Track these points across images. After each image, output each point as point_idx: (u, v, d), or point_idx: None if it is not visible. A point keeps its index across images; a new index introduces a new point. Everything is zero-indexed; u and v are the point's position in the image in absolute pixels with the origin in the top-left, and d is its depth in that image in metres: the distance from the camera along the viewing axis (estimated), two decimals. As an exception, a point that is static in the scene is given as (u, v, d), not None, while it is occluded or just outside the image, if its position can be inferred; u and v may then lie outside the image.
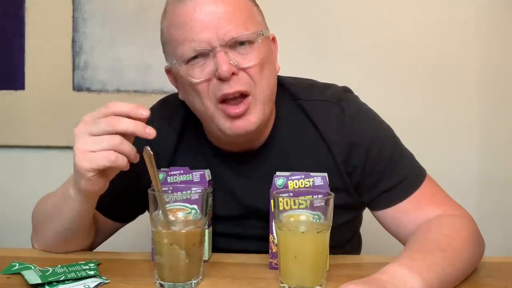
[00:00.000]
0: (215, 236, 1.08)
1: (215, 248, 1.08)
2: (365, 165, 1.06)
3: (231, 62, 0.96)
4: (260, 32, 0.99)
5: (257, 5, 1.04)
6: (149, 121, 1.14)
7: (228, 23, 0.96)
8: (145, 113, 0.91)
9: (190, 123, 1.09)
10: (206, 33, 0.95)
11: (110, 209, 1.12)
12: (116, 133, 0.89)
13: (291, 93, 1.10)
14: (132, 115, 0.90)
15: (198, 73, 0.98)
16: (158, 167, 1.05)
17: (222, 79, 0.96)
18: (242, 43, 0.97)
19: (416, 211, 1.03)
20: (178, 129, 1.12)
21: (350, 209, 1.13)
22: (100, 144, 0.89)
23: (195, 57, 0.98)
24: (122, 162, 0.90)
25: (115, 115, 0.89)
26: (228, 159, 1.09)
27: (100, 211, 1.11)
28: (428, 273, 0.83)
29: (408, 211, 1.04)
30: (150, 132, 0.90)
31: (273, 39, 1.07)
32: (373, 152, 1.05)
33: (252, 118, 0.99)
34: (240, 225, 1.11)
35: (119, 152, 0.89)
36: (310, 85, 1.13)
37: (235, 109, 0.98)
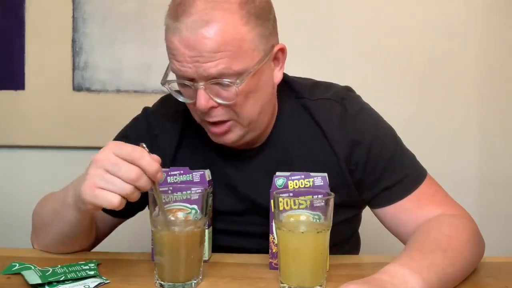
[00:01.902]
0: (215, 233, 1.08)
1: (215, 246, 1.08)
2: (367, 163, 1.06)
3: (211, 97, 0.96)
4: (240, 79, 0.95)
5: (254, 25, 0.96)
6: (151, 117, 1.14)
7: (209, 62, 0.93)
8: (160, 179, 0.89)
9: (191, 120, 1.09)
10: (187, 67, 0.95)
11: None
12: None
13: (295, 91, 1.11)
14: (150, 176, 0.86)
15: (185, 93, 1.01)
16: (161, 165, 1.05)
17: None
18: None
19: (416, 209, 1.04)
20: (180, 125, 1.12)
21: (351, 207, 1.13)
22: (111, 185, 0.85)
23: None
24: (122, 206, 0.87)
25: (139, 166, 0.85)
26: (230, 155, 1.10)
27: None
28: (428, 273, 0.83)
29: (409, 209, 1.04)
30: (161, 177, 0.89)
31: (281, 49, 1.03)
32: (374, 150, 1.06)
33: (233, 136, 1.02)
34: (241, 221, 1.12)
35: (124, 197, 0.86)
36: (314, 84, 1.13)
37: (215, 129, 1.01)
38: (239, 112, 0.99)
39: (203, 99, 0.96)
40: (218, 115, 0.99)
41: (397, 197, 1.05)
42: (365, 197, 1.09)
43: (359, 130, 1.07)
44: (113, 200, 0.85)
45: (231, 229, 1.12)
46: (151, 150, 1.09)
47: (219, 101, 0.97)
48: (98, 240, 1.15)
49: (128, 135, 1.15)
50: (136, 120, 1.17)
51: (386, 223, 1.09)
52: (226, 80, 0.95)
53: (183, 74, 0.96)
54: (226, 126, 1.00)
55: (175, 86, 1.02)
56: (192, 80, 0.96)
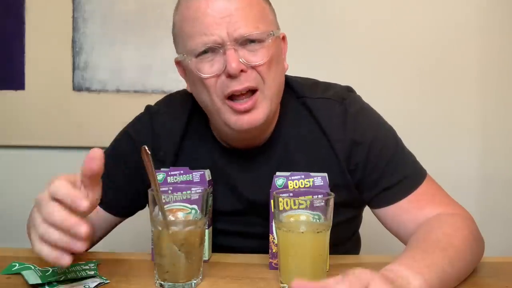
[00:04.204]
0: (216, 233, 1.08)
1: (216, 246, 1.08)
2: (367, 163, 1.06)
3: (240, 59, 0.97)
4: (271, 32, 1.00)
5: (269, 4, 1.05)
6: (154, 117, 1.15)
7: (239, 21, 0.97)
8: (84, 206, 0.77)
9: (195, 119, 1.10)
10: (216, 29, 0.96)
11: (110, 203, 1.13)
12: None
13: (295, 91, 1.12)
14: (68, 205, 0.78)
15: (208, 68, 0.99)
16: (163, 164, 1.07)
17: (231, 76, 0.97)
18: (252, 41, 0.98)
19: (417, 209, 1.04)
20: (183, 124, 1.12)
21: (351, 207, 1.14)
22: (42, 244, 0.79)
23: (205, 52, 0.99)
24: (64, 261, 0.79)
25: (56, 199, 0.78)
26: (232, 154, 1.10)
27: (100, 205, 1.11)
28: (429, 273, 0.82)
29: (409, 209, 1.04)
30: (81, 205, 0.78)
31: (283, 38, 1.08)
32: (374, 150, 1.06)
33: (259, 113, 1.00)
34: (242, 221, 1.12)
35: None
36: (314, 84, 1.14)
37: (242, 105, 0.99)
38: (266, 78, 1.00)
39: (234, 61, 0.96)
40: (248, 80, 0.98)
41: (396, 197, 1.05)
42: (365, 197, 1.09)
43: (359, 130, 1.07)
44: (49, 254, 0.79)
45: (232, 229, 1.12)
46: (153, 150, 1.09)
47: (249, 62, 0.98)
48: (98, 238, 1.15)
49: (130, 133, 1.15)
50: (138, 119, 1.17)
51: (386, 224, 1.09)
52: (256, 32, 0.97)
53: (210, 39, 0.97)
54: (252, 100, 0.99)
55: (195, 65, 1.00)
56: (220, 44, 0.97)
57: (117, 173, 1.13)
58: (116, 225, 1.18)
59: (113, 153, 1.15)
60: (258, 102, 1.00)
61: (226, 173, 1.10)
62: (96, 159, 0.80)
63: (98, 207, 1.11)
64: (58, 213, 0.78)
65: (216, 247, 1.08)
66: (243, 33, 0.97)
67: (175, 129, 1.12)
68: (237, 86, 0.98)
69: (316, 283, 0.67)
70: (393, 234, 1.09)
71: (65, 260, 0.79)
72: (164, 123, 1.13)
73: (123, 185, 1.13)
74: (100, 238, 1.16)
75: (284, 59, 1.08)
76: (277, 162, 1.07)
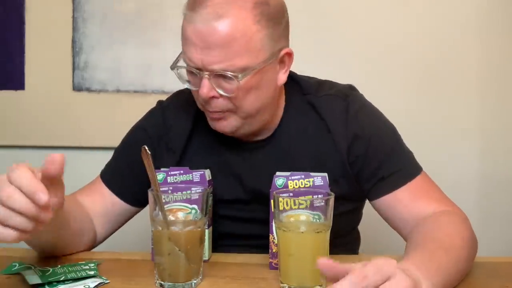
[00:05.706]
0: (219, 219, 1.11)
1: (219, 232, 1.10)
2: (366, 155, 1.10)
3: (214, 87, 1.00)
4: (242, 74, 0.98)
5: (266, 28, 1.00)
6: (166, 110, 1.19)
7: (214, 55, 0.97)
8: (44, 200, 0.76)
9: (202, 113, 1.12)
10: (196, 57, 0.99)
11: (128, 193, 1.16)
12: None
13: (301, 88, 1.15)
14: (29, 196, 0.77)
15: (192, 81, 1.05)
16: (173, 153, 1.10)
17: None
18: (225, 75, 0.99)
19: (411, 201, 1.06)
20: (192, 117, 1.16)
21: (351, 200, 1.16)
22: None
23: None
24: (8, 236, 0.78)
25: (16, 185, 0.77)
26: (237, 147, 1.14)
27: (118, 196, 1.15)
28: (437, 277, 0.81)
29: (403, 200, 1.07)
30: (41, 198, 0.76)
31: (288, 54, 1.06)
32: (373, 144, 1.10)
33: (228, 124, 1.06)
34: (245, 209, 1.14)
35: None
36: (319, 82, 1.18)
37: (212, 115, 1.05)
38: (239, 105, 1.03)
39: (205, 88, 1.00)
40: (218, 106, 1.03)
41: (391, 187, 1.08)
42: (364, 188, 1.12)
43: (360, 125, 1.11)
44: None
45: (235, 216, 1.15)
46: (165, 141, 1.15)
47: (221, 92, 1.01)
48: (114, 231, 1.18)
49: (144, 125, 1.19)
50: (151, 113, 1.21)
51: (383, 214, 1.11)
52: (229, 73, 0.98)
53: (191, 62, 1.00)
54: (222, 114, 1.04)
55: (183, 73, 1.06)
56: (199, 69, 1.00)
57: (131, 162, 1.14)
58: (132, 216, 1.20)
59: (127, 144, 1.19)
60: (228, 117, 1.05)
61: (232, 164, 1.13)
62: (55, 163, 0.80)
63: (116, 197, 1.16)
64: (19, 198, 0.76)
65: (219, 234, 1.11)
66: (216, 69, 0.98)
67: (185, 123, 1.16)
68: (208, 108, 1.04)
69: (341, 265, 0.70)
70: (389, 224, 1.11)
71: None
72: (174, 117, 1.17)
73: (138, 173, 1.13)
74: (115, 230, 1.18)
75: (277, 78, 1.07)
76: (281, 154, 1.11)
